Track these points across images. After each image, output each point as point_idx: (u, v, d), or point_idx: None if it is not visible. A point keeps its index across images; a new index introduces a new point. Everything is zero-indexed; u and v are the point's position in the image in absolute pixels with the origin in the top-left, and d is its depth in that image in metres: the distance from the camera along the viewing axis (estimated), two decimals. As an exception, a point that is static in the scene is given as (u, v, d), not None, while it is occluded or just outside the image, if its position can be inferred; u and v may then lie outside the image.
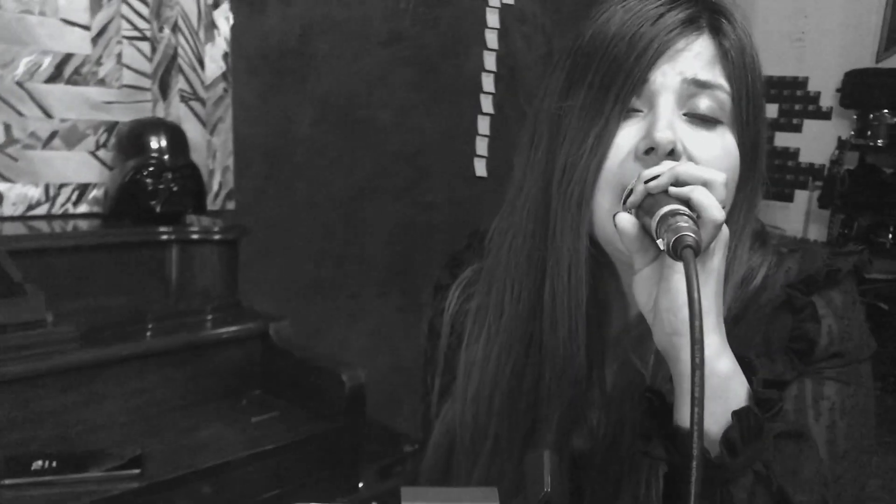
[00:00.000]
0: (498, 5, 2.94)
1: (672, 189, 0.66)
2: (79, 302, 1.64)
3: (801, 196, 5.36)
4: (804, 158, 5.36)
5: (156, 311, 1.71)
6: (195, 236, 1.80)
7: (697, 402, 0.56)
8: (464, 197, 2.94)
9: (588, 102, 0.76)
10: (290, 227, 2.45)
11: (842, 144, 5.02)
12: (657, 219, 0.64)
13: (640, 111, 0.75)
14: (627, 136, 0.74)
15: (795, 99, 5.37)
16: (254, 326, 1.80)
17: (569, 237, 0.76)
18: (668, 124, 0.72)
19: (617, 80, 0.74)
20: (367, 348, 2.72)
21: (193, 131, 2.02)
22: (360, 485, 1.93)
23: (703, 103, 0.74)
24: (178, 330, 1.72)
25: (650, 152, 0.72)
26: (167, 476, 1.42)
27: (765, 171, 0.83)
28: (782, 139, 5.44)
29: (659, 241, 0.64)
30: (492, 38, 2.96)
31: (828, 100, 5.24)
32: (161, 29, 1.98)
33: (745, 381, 0.68)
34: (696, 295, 0.58)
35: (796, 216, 5.31)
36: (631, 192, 0.69)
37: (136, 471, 1.40)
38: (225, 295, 1.85)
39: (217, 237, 1.83)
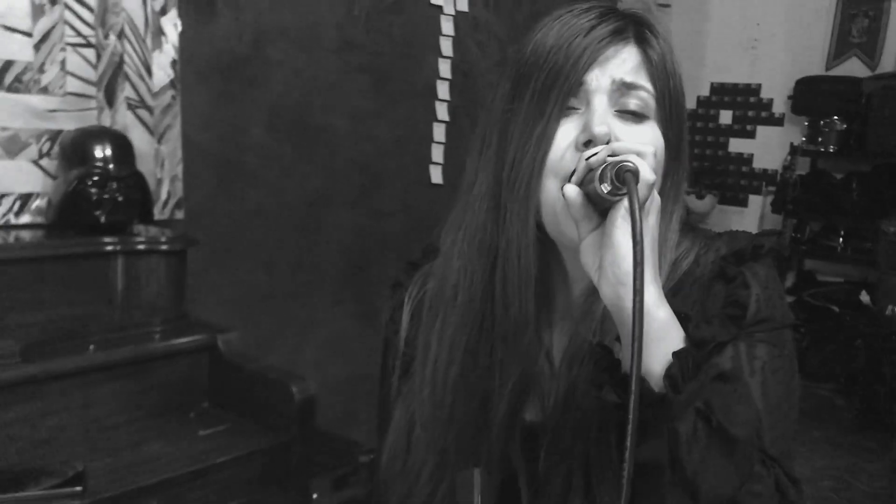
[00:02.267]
0: (452, 13, 2.94)
1: (609, 158, 0.75)
2: (20, 315, 1.60)
3: (755, 201, 5.46)
4: (758, 164, 5.46)
5: (100, 324, 1.68)
6: (141, 247, 1.77)
7: (638, 291, 0.66)
8: (419, 204, 2.93)
9: (532, 104, 0.85)
10: (241, 236, 2.42)
11: (793, 150, 5.13)
12: (599, 172, 0.73)
13: (578, 109, 0.85)
14: (567, 131, 0.84)
15: (749, 105, 5.48)
16: (202, 339, 1.78)
17: (517, 224, 0.85)
18: (603, 120, 0.82)
19: (556, 84, 0.84)
20: (320, 358, 2.70)
21: (140, 140, 1.99)
22: (315, 496, 1.92)
23: (632, 102, 0.85)
24: (124, 343, 1.69)
25: (589, 144, 0.82)
26: (110, 493, 1.39)
27: (687, 164, 0.93)
28: (736, 145, 5.54)
29: (603, 186, 0.73)
30: (446, 46, 2.96)
31: (780, 106, 5.35)
32: (106, 36, 1.94)
33: (681, 330, 0.77)
34: (636, 206, 0.68)
35: (751, 221, 5.41)
36: (573, 172, 0.80)
37: (78, 488, 1.37)
38: (172, 307, 1.82)
39: (164, 248, 1.80)
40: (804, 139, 5.11)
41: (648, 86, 0.86)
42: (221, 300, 2.33)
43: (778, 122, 5.36)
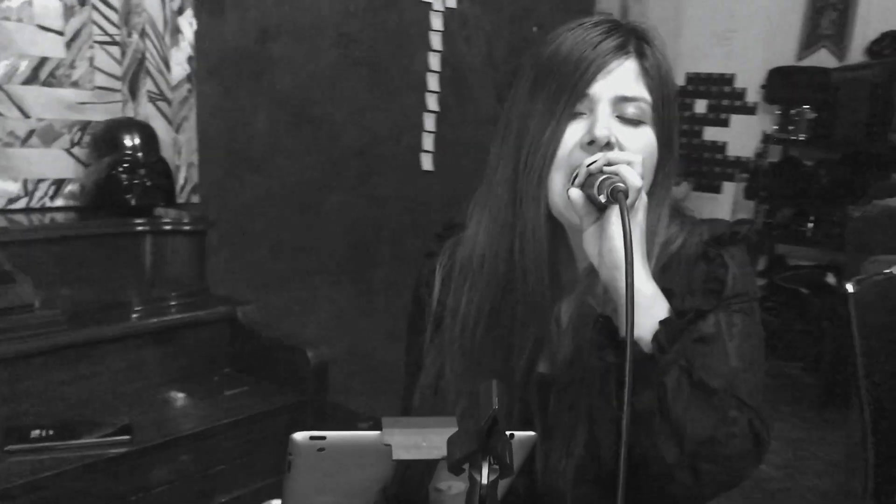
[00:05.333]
0: (441, 9, 3.12)
1: (606, 168, 0.93)
2: (61, 289, 1.77)
3: (728, 188, 5.62)
4: (731, 152, 5.62)
5: (133, 297, 1.86)
6: (168, 227, 1.95)
7: (629, 273, 0.84)
8: (411, 190, 3.12)
9: (546, 107, 1.01)
10: (248, 219, 2.60)
11: (766, 138, 5.28)
12: (597, 184, 0.92)
13: (584, 113, 1.01)
14: (574, 132, 1.00)
15: (723, 95, 5.62)
16: (224, 310, 1.96)
17: (532, 207, 1.02)
18: (605, 124, 0.99)
19: (566, 91, 1.01)
20: (321, 335, 2.87)
21: (161, 129, 2.16)
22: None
23: (630, 110, 1.01)
24: (155, 314, 1.87)
25: (592, 144, 0.98)
26: (155, 441, 1.58)
27: (678, 158, 1.10)
28: (711, 133, 5.70)
29: (601, 197, 0.92)
30: (436, 40, 3.14)
31: (753, 95, 5.47)
32: (130, 34, 2.11)
33: (666, 302, 0.95)
34: (626, 218, 0.87)
35: (724, 207, 5.58)
36: (577, 174, 0.96)
37: (127, 437, 1.55)
38: (194, 282, 2.00)
39: (187, 228, 1.98)
40: (776, 127, 5.25)
41: (646, 95, 1.02)
42: (230, 278, 2.50)
43: (751, 111, 5.49)
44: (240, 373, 1.95)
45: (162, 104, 2.20)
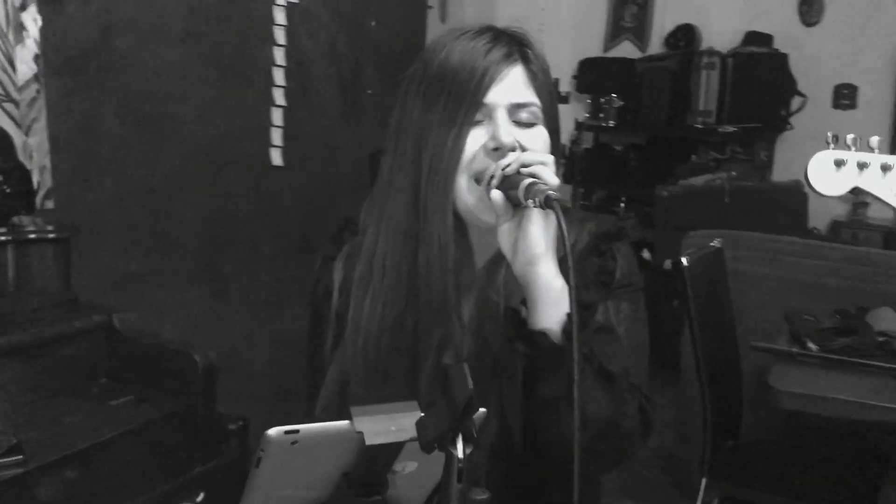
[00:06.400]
0: (284, 4, 3.12)
1: (523, 169, 0.99)
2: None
3: (548, 173, 5.96)
4: (549, 139, 5.96)
5: (-1, 311, 1.76)
6: (32, 236, 1.86)
7: (570, 276, 0.90)
8: (263, 186, 3.11)
9: (445, 116, 1.06)
10: (100, 223, 2.49)
11: (579, 126, 5.63)
12: (523, 189, 0.96)
13: (482, 121, 1.07)
14: (476, 138, 1.06)
15: (537, 85, 5.94)
16: (98, 319, 1.90)
17: (437, 214, 1.06)
18: (508, 131, 1.06)
19: (464, 101, 1.06)
20: (179, 336, 2.81)
21: (9, 133, 2.04)
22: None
23: (524, 115, 1.08)
24: (22, 327, 1.78)
25: (497, 150, 1.05)
26: (49, 459, 1.52)
27: (560, 151, 1.20)
28: (529, 122, 6.01)
29: (529, 202, 0.96)
30: (280, 35, 3.13)
31: (566, 85, 5.82)
32: (-31, 32, 1.98)
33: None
34: (563, 225, 0.90)
35: (544, 191, 5.89)
36: (492, 176, 1.01)
37: (19, 457, 1.49)
38: (63, 291, 1.93)
39: (52, 236, 1.89)
40: (588, 115, 5.61)
41: (536, 100, 1.08)
42: (84, 284, 2.40)
43: (564, 100, 5.78)
44: (121, 382, 1.90)
45: (8, 106, 2.08)
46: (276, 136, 3.16)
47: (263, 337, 3.07)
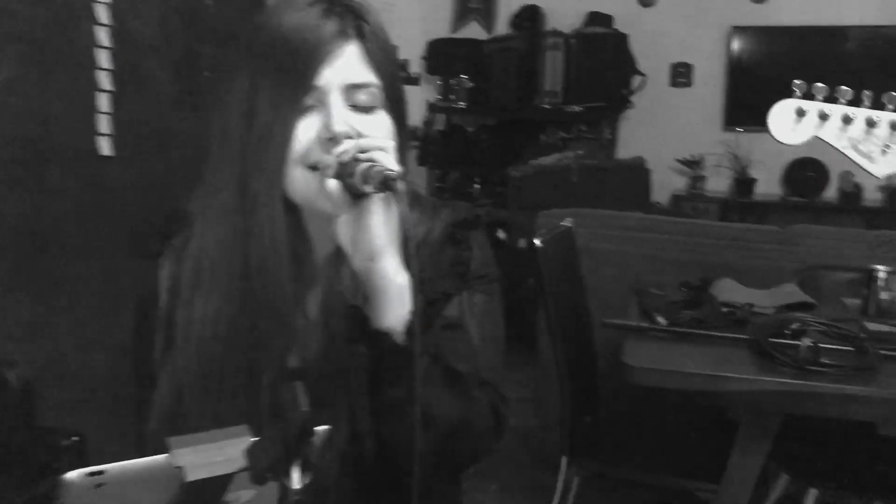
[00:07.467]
0: (106, -21, 2.87)
1: (360, 156, 0.89)
2: None
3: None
4: (401, 121, 5.89)
5: None
6: None
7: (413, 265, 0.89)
8: (93, 178, 2.86)
9: (271, 102, 0.95)
10: None
11: (430, 107, 5.62)
12: (360, 173, 0.88)
13: (314, 106, 0.96)
14: (307, 128, 0.96)
15: (388, 66, 5.85)
16: None
17: (268, 209, 0.96)
18: (342, 118, 0.95)
19: (291, 85, 0.95)
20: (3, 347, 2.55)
21: None
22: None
23: (361, 98, 0.97)
24: None
25: (332, 140, 0.94)
26: None
27: (409, 135, 1.10)
28: (378, 104, 5.91)
29: (366, 187, 0.88)
30: (103, 13, 2.88)
31: (416, 67, 5.79)
32: None
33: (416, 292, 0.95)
34: (405, 206, 0.86)
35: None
36: (328, 166, 0.92)
37: None
38: None
39: None
40: (439, 97, 5.62)
41: (375, 80, 0.98)
42: None
43: (415, 81, 5.79)
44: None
45: None
46: (104, 124, 2.91)
47: (99, 345, 2.83)
